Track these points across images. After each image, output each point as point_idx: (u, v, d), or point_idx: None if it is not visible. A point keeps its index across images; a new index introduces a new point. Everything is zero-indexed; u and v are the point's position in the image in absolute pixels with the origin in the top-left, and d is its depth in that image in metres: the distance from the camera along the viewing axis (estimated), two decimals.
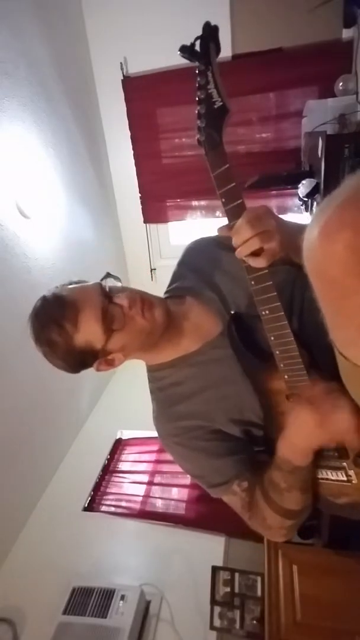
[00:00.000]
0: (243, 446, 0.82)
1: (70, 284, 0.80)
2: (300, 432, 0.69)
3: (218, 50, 0.64)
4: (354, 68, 2.27)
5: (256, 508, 0.78)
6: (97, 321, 0.72)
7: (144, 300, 0.77)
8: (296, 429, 0.70)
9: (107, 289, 0.77)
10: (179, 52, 0.64)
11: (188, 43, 0.63)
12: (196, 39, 0.63)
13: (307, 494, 0.74)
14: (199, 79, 0.65)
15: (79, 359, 0.76)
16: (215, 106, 0.64)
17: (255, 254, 0.65)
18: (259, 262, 0.65)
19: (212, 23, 0.63)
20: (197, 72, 0.65)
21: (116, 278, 0.80)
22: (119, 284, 0.79)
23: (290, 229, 0.67)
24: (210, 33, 0.63)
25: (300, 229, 0.71)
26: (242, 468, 0.79)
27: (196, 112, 0.67)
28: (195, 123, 0.67)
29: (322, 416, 0.65)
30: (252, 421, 0.81)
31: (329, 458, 0.74)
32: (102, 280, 0.79)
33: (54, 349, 0.74)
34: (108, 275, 0.80)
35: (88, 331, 0.73)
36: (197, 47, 0.63)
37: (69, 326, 0.72)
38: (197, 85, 0.65)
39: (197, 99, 0.66)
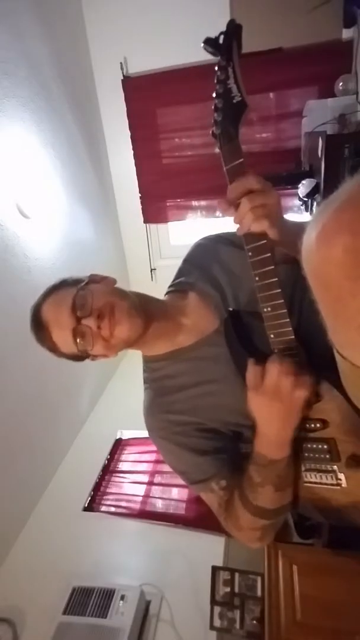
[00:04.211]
0: (229, 445, 0.82)
1: (59, 284, 0.82)
2: (267, 421, 0.69)
3: (239, 47, 0.66)
4: (354, 68, 2.27)
5: (231, 507, 0.78)
6: (69, 342, 0.76)
7: (111, 318, 0.74)
8: (263, 419, 0.70)
9: (78, 306, 0.75)
10: (202, 44, 0.65)
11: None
12: (220, 33, 0.65)
13: (281, 492, 0.73)
14: (219, 73, 0.66)
15: (71, 358, 0.81)
16: (234, 101, 0.65)
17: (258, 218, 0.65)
18: (261, 225, 0.64)
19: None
20: (217, 66, 0.66)
21: (82, 290, 0.77)
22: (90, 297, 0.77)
23: (285, 220, 0.69)
24: (234, 30, 0.65)
25: (295, 224, 0.72)
26: (223, 467, 0.79)
27: (213, 106, 0.67)
28: (212, 116, 0.67)
29: (265, 387, 0.66)
30: (241, 422, 0.80)
31: (319, 461, 0.72)
32: (79, 287, 0.77)
33: (49, 350, 0.81)
34: (82, 289, 0.77)
35: (65, 348, 0.78)
36: (220, 42, 0.65)
37: (48, 343, 0.79)
38: (216, 79, 0.66)
39: (214, 93, 0.66)
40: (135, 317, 0.76)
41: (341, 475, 0.71)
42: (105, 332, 0.75)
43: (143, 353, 0.90)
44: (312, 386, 0.65)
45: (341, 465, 0.71)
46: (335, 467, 0.71)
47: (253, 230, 0.65)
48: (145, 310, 0.79)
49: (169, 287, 0.95)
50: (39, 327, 0.79)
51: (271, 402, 0.66)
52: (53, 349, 0.80)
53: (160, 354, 0.86)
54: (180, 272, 0.96)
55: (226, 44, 0.64)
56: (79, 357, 0.80)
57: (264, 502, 0.73)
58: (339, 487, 0.72)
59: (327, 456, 0.71)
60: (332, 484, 0.72)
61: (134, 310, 0.77)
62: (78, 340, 0.75)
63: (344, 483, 0.71)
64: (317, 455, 0.72)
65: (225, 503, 0.79)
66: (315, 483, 0.74)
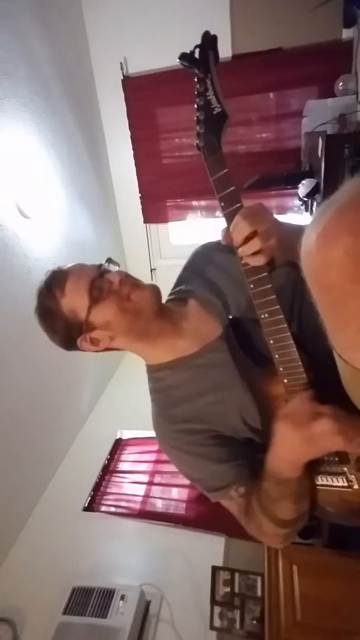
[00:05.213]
0: (242, 451, 0.82)
1: None
2: (288, 449, 0.69)
3: (216, 58, 0.66)
4: (354, 68, 2.27)
5: (252, 514, 0.78)
6: (81, 288, 0.76)
7: (134, 282, 0.80)
8: (283, 446, 0.69)
9: (105, 267, 0.81)
10: (178, 60, 0.65)
11: (187, 49, 0.64)
12: (195, 47, 0.64)
13: (298, 503, 0.73)
14: (198, 86, 0.66)
15: (65, 328, 0.78)
16: (215, 112, 0.65)
17: (254, 252, 0.65)
18: (258, 260, 0.65)
19: (211, 32, 0.64)
20: (196, 79, 0.65)
21: (115, 263, 0.83)
22: (117, 268, 0.83)
23: (285, 226, 0.68)
24: (209, 42, 0.64)
25: (295, 227, 0.71)
26: (240, 474, 0.79)
27: (195, 118, 0.67)
28: (194, 129, 0.67)
29: (304, 428, 0.65)
30: (250, 426, 0.80)
31: (329, 463, 0.73)
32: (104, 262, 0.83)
33: (44, 316, 0.80)
34: (110, 260, 0.83)
35: (73, 297, 0.76)
36: (197, 55, 0.64)
37: (58, 291, 0.77)
38: (195, 92, 0.66)
39: (195, 105, 0.66)
40: (158, 294, 0.80)
41: (352, 477, 0.72)
42: (124, 289, 0.77)
43: (145, 361, 0.89)
44: (335, 416, 0.63)
45: (350, 467, 0.71)
46: (345, 469, 0.72)
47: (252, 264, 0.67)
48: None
49: (169, 295, 0.94)
50: (56, 274, 0.79)
51: (307, 432, 0.65)
52: (53, 308, 0.77)
53: (163, 362, 0.85)
54: (180, 280, 0.95)
55: (203, 57, 0.64)
56: (70, 337, 0.79)
57: (284, 514, 0.74)
58: (350, 489, 0.72)
59: (336, 459, 0.72)
60: (343, 486, 0.73)
61: (156, 291, 0.81)
62: (95, 286, 0.76)
63: (355, 484, 0.72)
64: (326, 458, 0.73)
65: (244, 509, 0.79)
66: (327, 486, 0.75)
